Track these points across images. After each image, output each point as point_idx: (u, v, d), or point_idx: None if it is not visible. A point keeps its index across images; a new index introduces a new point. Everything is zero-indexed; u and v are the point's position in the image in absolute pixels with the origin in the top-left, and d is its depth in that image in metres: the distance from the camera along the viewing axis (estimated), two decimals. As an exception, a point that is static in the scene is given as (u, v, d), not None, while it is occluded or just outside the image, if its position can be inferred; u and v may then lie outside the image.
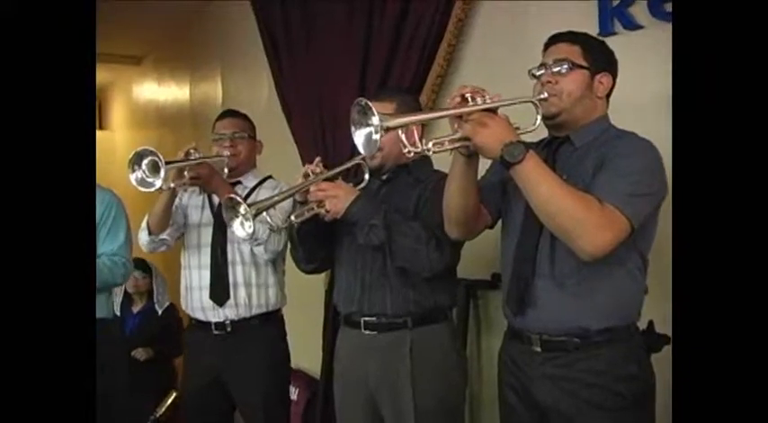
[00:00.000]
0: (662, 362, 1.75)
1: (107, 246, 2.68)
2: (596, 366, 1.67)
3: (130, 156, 2.32)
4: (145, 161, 2.32)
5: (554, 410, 1.71)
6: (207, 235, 2.64)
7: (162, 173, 2.28)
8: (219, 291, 2.59)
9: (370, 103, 1.55)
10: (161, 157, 2.29)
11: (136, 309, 4.26)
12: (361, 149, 1.63)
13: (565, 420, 1.69)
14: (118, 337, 2.83)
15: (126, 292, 4.21)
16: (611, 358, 1.67)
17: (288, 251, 2.57)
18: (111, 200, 2.72)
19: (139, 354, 3.97)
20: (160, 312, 4.22)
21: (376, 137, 1.54)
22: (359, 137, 1.61)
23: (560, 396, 1.69)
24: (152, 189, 2.33)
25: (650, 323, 1.88)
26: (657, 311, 1.80)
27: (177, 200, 2.62)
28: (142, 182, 2.32)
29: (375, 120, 1.53)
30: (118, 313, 4.10)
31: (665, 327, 1.77)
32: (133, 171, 2.31)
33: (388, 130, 1.55)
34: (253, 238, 2.41)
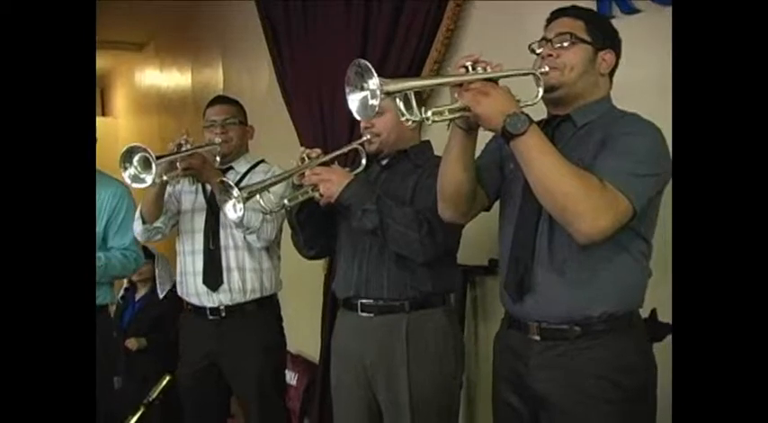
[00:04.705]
0: (665, 351, 1.70)
1: (119, 239, 2.71)
2: (597, 356, 1.61)
3: (121, 153, 2.31)
4: (135, 157, 2.32)
5: (551, 401, 1.65)
6: (200, 220, 2.65)
7: (153, 168, 2.29)
8: (213, 275, 2.59)
9: (369, 65, 1.45)
10: (151, 152, 2.29)
11: (138, 296, 4.26)
12: (356, 114, 1.52)
13: (562, 411, 1.63)
14: (109, 323, 2.84)
15: (130, 280, 4.20)
16: (612, 348, 1.61)
17: (284, 236, 2.58)
18: (123, 192, 2.74)
19: (131, 344, 3.97)
20: (162, 295, 4.20)
21: (374, 102, 1.45)
22: (354, 101, 1.49)
23: (559, 386, 1.63)
24: (144, 185, 2.35)
25: (653, 311, 1.85)
26: (662, 299, 1.75)
27: (170, 187, 2.62)
28: (135, 178, 2.33)
29: (374, 82, 1.43)
30: (120, 301, 4.13)
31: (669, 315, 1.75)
32: (125, 169, 2.32)
33: (388, 94, 1.44)
34: (244, 225, 2.42)
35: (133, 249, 2.73)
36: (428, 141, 2.25)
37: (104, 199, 2.68)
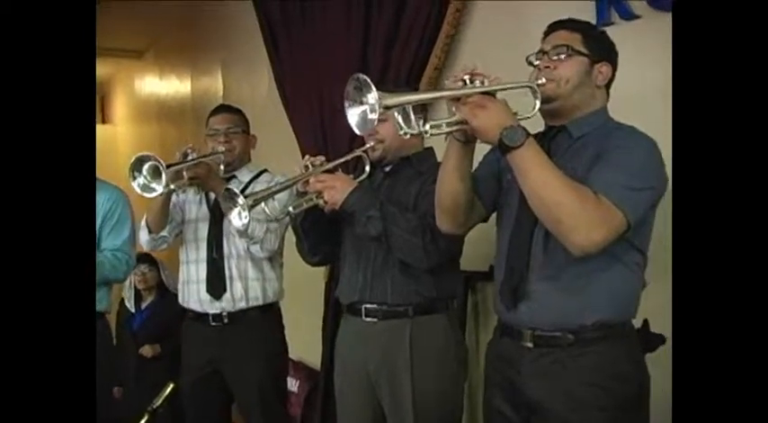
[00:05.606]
0: (656, 362, 1.72)
1: (110, 241, 2.69)
2: (590, 364, 1.61)
3: (131, 162, 2.32)
4: (145, 166, 2.33)
5: (544, 409, 1.64)
6: (203, 229, 2.66)
7: (163, 177, 2.30)
8: (216, 284, 2.60)
9: (368, 80, 1.46)
10: (161, 161, 2.30)
11: (144, 304, 4.25)
12: (355, 129, 1.53)
13: (554, 419, 1.63)
14: (106, 330, 2.83)
15: (135, 288, 4.20)
16: (605, 356, 1.62)
17: (285, 244, 2.58)
18: (118, 196, 2.73)
19: (146, 351, 3.97)
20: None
21: (373, 116, 1.45)
22: (353, 115, 1.51)
23: (551, 394, 1.63)
24: (154, 194, 2.35)
25: (645, 322, 1.86)
26: (654, 309, 1.77)
27: (174, 196, 2.63)
28: (145, 187, 2.35)
29: (372, 97, 1.45)
30: (132, 310, 4.14)
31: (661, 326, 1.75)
32: (134, 178, 2.33)
33: (387, 108, 1.46)
34: (248, 235, 2.43)
35: (125, 251, 2.71)
36: (431, 148, 2.25)
37: (100, 203, 2.68)
